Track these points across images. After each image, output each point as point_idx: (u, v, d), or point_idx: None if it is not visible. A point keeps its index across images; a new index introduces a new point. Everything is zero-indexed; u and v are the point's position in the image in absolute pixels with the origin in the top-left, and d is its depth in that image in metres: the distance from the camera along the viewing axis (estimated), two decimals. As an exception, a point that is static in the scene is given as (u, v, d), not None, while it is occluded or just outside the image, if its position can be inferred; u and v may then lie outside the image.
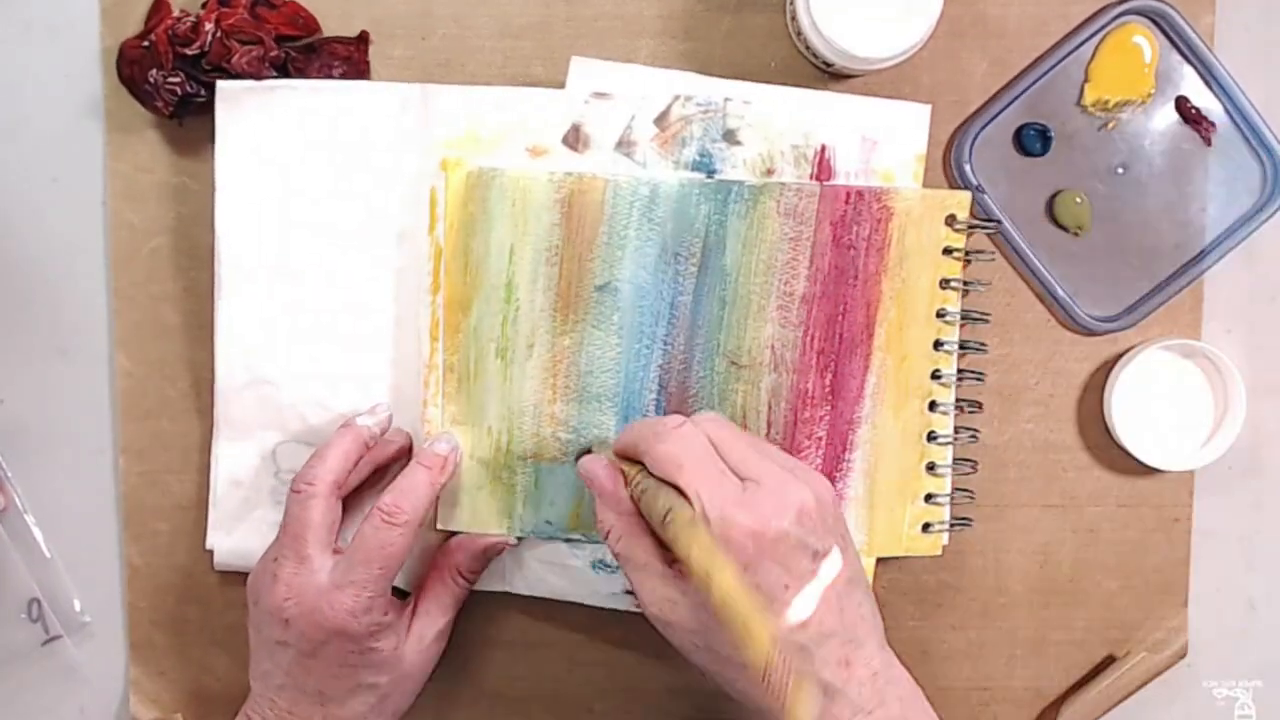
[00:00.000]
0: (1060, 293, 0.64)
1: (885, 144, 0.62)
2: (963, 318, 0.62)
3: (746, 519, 0.50)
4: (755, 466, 0.52)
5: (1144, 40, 0.62)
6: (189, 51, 0.61)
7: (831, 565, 0.51)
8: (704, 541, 0.49)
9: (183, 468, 0.65)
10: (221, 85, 0.61)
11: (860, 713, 0.50)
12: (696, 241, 0.61)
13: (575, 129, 0.61)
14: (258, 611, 0.58)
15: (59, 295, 0.65)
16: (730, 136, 0.62)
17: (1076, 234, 0.63)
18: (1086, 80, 0.63)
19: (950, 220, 0.62)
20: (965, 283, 0.62)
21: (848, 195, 0.61)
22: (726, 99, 0.61)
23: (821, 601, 0.50)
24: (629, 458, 0.55)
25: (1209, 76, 0.62)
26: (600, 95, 0.61)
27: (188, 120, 0.62)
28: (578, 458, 0.60)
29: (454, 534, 0.63)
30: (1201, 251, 0.63)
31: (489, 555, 0.62)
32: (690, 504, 0.50)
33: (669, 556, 0.52)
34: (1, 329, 0.65)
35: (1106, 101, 0.63)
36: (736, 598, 0.48)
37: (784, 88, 0.62)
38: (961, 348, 0.63)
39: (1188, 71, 0.63)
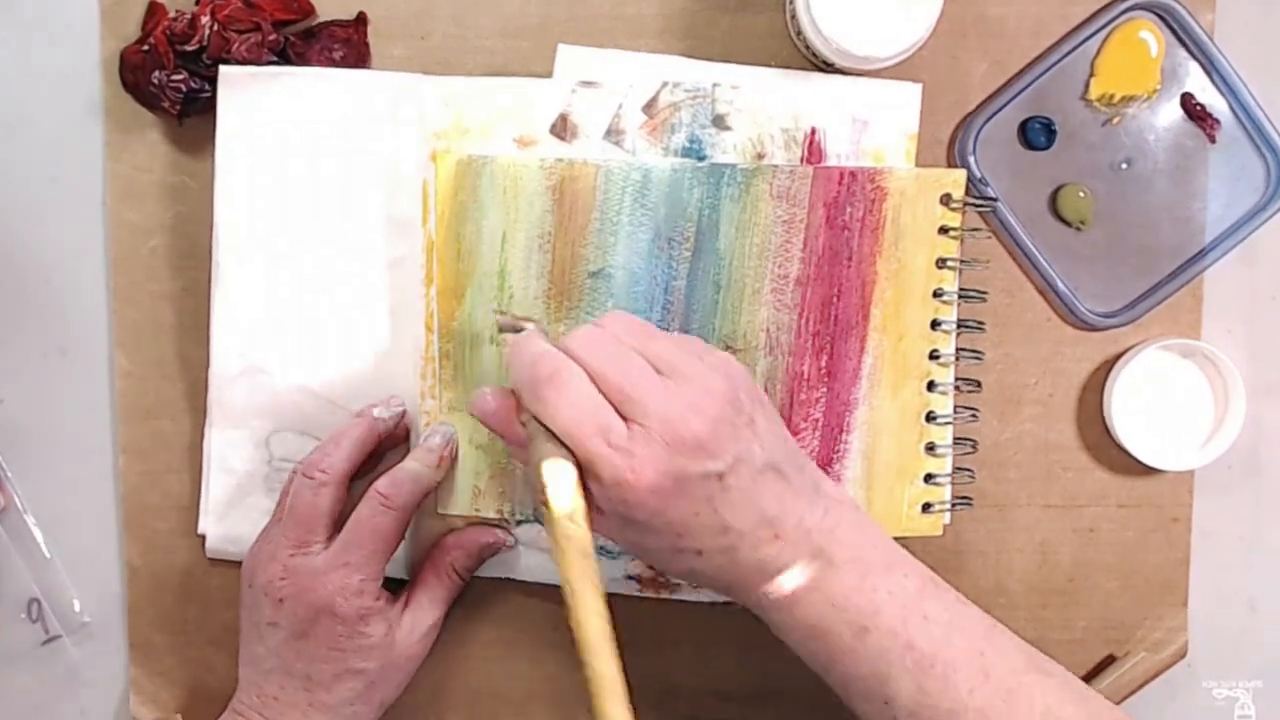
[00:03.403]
0: (1061, 287, 0.62)
1: (875, 124, 0.60)
2: (960, 296, 0.61)
3: (641, 478, 0.47)
4: (641, 399, 0.48)
5: (1150, 36, 0.61)
6: (189, 48, 0.60)
7: (735, 476, 0.49)
8: (574, 542, 0.47)
9: (183, 467, 0.63)
10: (224, 70, 0.60)
11: (799, 562, 0.50)
12: (689, 226, 0.59)
13: (563, 118, 0.60)
14: (251, 593, 0.57)
15: (59, 295, 0.63)
16: (720, 122, 0.60)
17: (1079, 228, 0.62)
18: (1092, 75, 0.61)
19: (945, 199, 0.60)
20: (962, 261, 0.60)
21: (841, 176, 0.59)
22: (715, 84, 0.60)
23: (734, 506, 0.49)
24: None
25: (1214, 73, 0.61)
26: (587, 84, 0.60)
27: (187, 120, 0.61)
28: (498, 323, 0.56)
29: (460, 525, 0.61)
30: (1203, 249, 0.62)
31: (484, 555, 0.61)
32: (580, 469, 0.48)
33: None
34: (1, 329, 0.63)
35: (1112, 96, 0.61)
36: (588, 636, 0.47)
37: (772, 70, 0.60)
38: (959, 326, 0.61)
39: (1193, 68, 0.61)
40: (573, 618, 0.47)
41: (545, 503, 0.48)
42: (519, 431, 0.51)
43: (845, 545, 0.51)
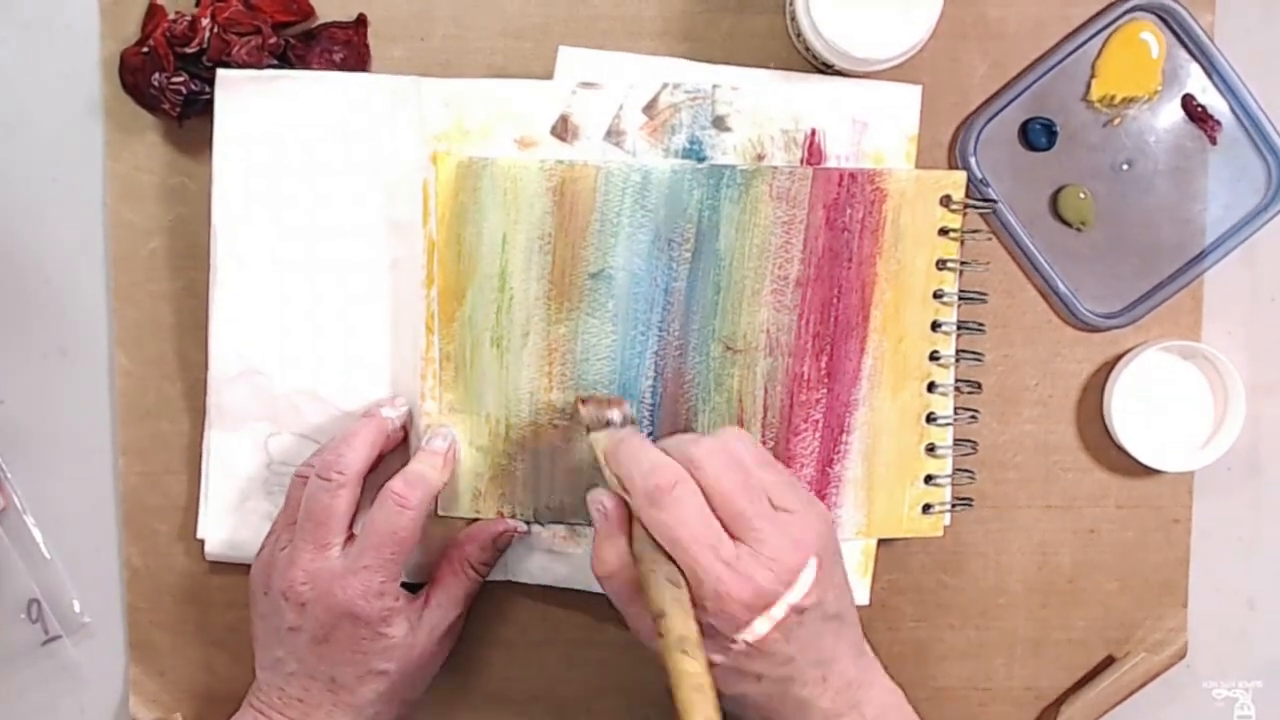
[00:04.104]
0: (1062, 288, 0.61)
1: (875, 126, 0.59)
2: (960, 298, 0.60)
3: (741, 593, 0.49)
4: (755, 523, 0.50)
5: (1151, 37, 0.60)
6: (189, 50, 0.59)
7: (812, 614, 0.51)
8: (689, 678, 0.49)
9: (183, 468, 0.63)
10: (222, 73, 0.59)
11: (838, 711, 0.52)
12: (690, 227, 0.59)
13: (564, 119, 0.59)
14: (268, 599, 0.56)
15: (59, 295, 0.63)
16: (720, 123, 0.59)
17: (1079, 229, 0.61)
18: (1093, 76, 0.61)
19: (945, 201, 0.59)
20: (962, 262, 0.60)
21: (840, 177, 0.59)
22: (715, 85, 0.59)
23: (803, 642, 0.51)
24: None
25: (1215, 75, 0.60)
26: (588, 85, 0.59)
27: (187, 121, 0.60)
28: (581, 414, 0.57)
29: (463, 527, 0.61)
30: (1203, 250, 0.61)
31: (499, 545, 0.60)
32: (686, 582, 0.50)
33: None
34: (1, 329, 0.63)
35: (1113, 97, 0.61)
36: None
37: (772, 71, 0.60)
38: (959, 328, 0.60)
39: (1194, 69, 0.61)
40: None
41: (660, 632, 0.49)
42: (624, 549, 0.53)
43: (875, 705, 0.54)
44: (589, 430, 0.56)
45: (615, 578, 0.53)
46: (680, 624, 0.49)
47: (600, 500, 0.54)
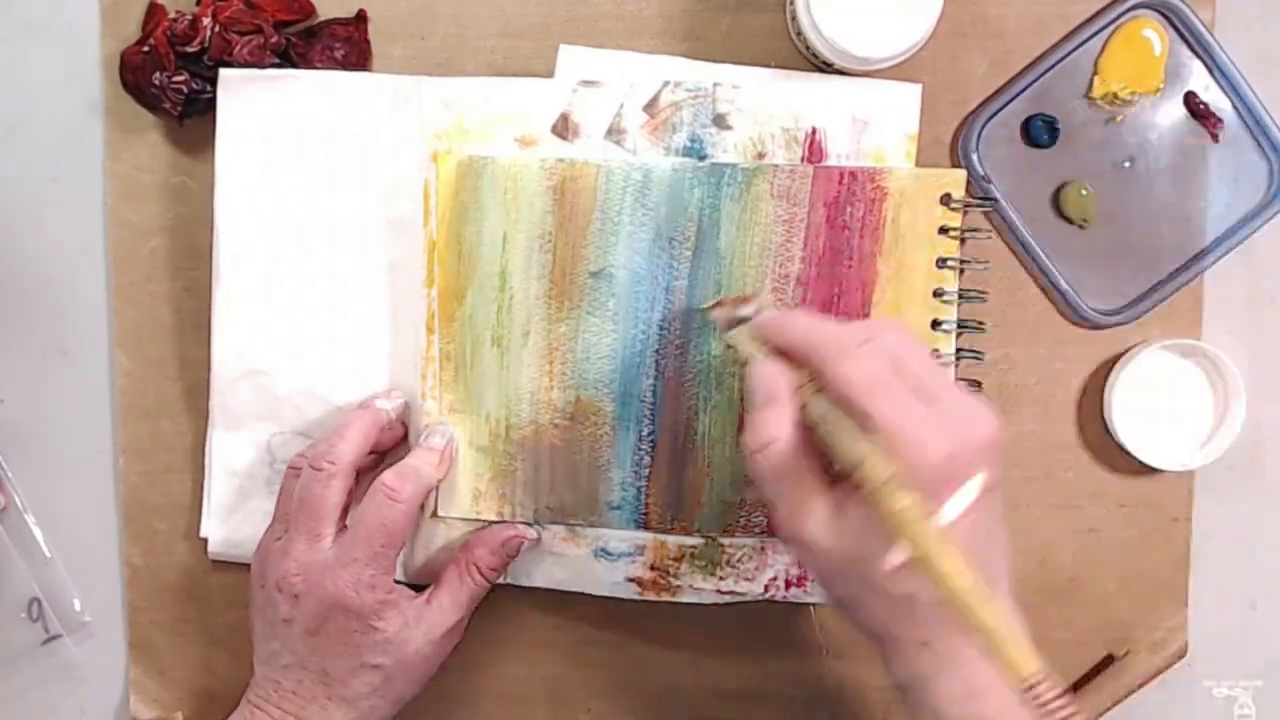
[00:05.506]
0: (1063, 285, 0.61)
1: (876, 124, 0.59)
2: (960, 296, 0.59)
3: (939, 445, 0.45)
4: (934, 391, 0.47)
5: (1154, 34, 0.60)
6: (190, 49, 0.59)
7: (993, 500, 0.47)
8: (906, 513, 0.45)
9: (183, 467, 0.62)
10: (224, 73, 0.59)
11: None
12: (690, 226, 0.58)
13: (564, 118, 0.59)
14: (264, 592, 0.56)
15: (59, 295, 0.62)
16: (720, 121, 0.59)
17: (1081, 226, 0.60)
18: (1096, 73, 0.60)
19: (945, 199, 0.59)
20: (962, 261, 0.59)
21: (841, 176, 0.58)
22: (716, 84, 0.59)
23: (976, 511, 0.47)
24: (793, 359, 0.50)
25: (1218, 72, 0.60)
26: (588, 84, 0.59)
27: (188, 120, 0.60)
28: (714, 316, 0.55)
29: (464, 528, 0.60)
30: (1204, 248, 0.60)
31: (509, 550, 0.59)
32: (878, 435, 0.46)
33: (829, 478, 0.48)
34: (1, 329, 0.62)
35: (1115, 94, 0.60)
36: (966, 590, 0.44)
37: (773, 70, 0.59)
38: (960, 326, 0.60)
39: (1197, 67, 0.60)
40: (943, 584, 0.44)
41: (860, 482, 0.46)
42: (795, 410, 0.49)
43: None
44: (726, 330, 0.54)
45: (773, 446, 0.48)
46: (882, 466, 0.45)
47: (765, 369, 0.50)
